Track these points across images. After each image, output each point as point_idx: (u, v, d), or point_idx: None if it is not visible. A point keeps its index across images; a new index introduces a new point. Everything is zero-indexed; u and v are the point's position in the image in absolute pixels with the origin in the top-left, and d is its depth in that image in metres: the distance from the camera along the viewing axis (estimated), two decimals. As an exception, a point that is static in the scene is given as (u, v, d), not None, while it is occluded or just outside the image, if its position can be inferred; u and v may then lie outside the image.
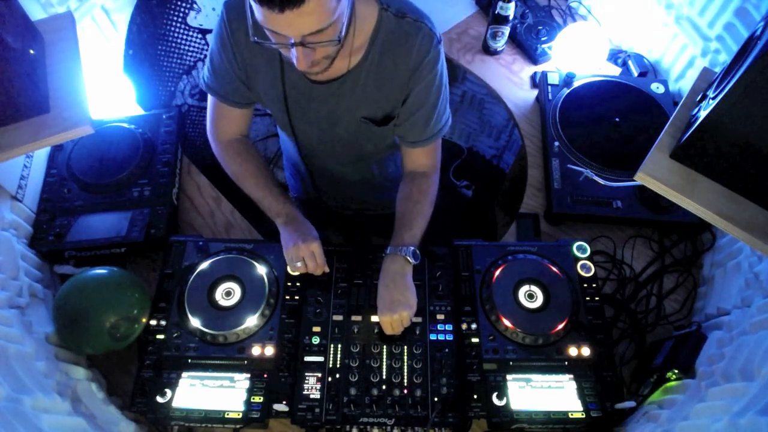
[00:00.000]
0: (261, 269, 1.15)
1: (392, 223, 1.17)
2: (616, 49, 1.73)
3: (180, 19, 1.57)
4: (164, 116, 1.46)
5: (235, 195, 1.48)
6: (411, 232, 1.13)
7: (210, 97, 1.16)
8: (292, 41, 0.83)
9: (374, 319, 1.11)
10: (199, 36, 1.64)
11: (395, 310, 1.05)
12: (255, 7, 0.79)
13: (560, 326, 1.09)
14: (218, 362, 1.07)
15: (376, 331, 1.11)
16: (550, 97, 1.55)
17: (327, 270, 1.15)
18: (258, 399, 1.02)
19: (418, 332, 1.10)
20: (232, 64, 1.07)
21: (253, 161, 1.20)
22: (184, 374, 1.06)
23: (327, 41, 0.86)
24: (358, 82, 1.05)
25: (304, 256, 1.10)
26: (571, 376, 1.06)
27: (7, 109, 0.98)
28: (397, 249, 1.11)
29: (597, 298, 1.14)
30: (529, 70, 1.73)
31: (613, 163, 1.41)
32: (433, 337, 1.10)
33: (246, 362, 1.07)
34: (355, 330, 1.11)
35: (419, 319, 1.12)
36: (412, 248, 1.11)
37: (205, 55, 1.69)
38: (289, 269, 1.16)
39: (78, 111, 1.03)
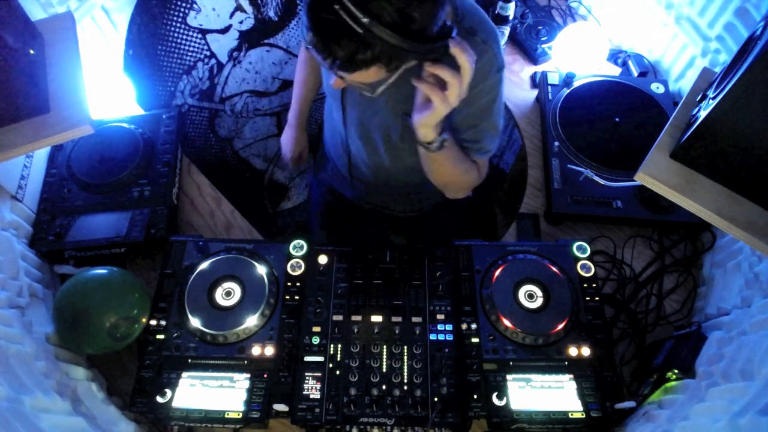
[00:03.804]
0: (261, 269, 1.15)
1: (410, 225, 1.30)
2: (616, 49, 1.73)
3: (180, 19, 1.57)
4: (164, 116, 1.46)
5: (235, 195, 1.49)
6: (454, 138, 1.07)
7: None
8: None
9: (375, 319, 1.11)
10: (199, 36, 1.64)
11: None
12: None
13: (560, 326, 1.09)
14: (218, 362, 1.07)
15: (376, 331, 1.10)
16: (550, 97, 1.55)
17: (303, 161, 1.59)
18: (258, 399, 1.02)
19: (418, 332, 1.10)
20: None
21: (303, 74, 1.48)
22: (184, 374, 1.06)
23: (366, 86, 0.88)
24: (408, 82, 0.96)
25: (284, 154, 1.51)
26: (571, 376, 1.06)
27: (7, 109, 0.98)
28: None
29: (597, 298, 1.14)
30: (529, 70, 1.73)
31: (613, 163, 1.41)
32: (433, 337, 1.10)
33: (246, 362, 1.07)
34: (355, 330, 1.11)
35: (419, 319, 1.12)
36: (448, 137, 1.01)
37: (205, 56, 1.69)
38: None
39: (78, 111, 1.03)
